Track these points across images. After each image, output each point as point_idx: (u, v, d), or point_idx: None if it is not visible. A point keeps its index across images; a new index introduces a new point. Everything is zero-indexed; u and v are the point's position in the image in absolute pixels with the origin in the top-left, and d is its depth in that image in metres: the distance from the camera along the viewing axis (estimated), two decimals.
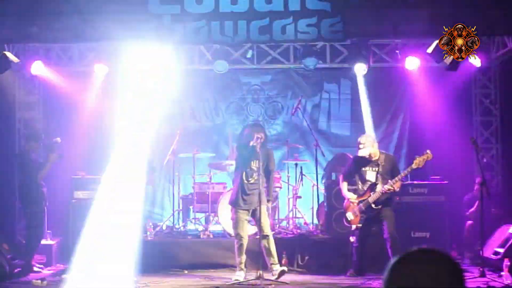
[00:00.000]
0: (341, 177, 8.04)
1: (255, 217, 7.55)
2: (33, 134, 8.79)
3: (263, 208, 7.45)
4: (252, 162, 7.53)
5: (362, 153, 7.67)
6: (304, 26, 8.05)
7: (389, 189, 7.51)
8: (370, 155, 7.68)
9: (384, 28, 8.36)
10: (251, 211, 7.59)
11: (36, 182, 8.30)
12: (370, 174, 7.73)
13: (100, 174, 8.73)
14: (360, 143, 7.69)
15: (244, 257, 7.55)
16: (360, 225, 7.70)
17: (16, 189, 8.87)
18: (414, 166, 7.50)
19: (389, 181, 7.51)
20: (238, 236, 7.56)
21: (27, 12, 8.31)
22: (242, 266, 7.56)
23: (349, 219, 7.76)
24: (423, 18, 8.03)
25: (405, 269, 1.78)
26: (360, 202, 7.71)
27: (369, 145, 7.67)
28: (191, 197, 9.49)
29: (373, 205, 7.61)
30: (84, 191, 8.83)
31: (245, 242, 7.56)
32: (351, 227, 7.80)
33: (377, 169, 7.68)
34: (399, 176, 7.55)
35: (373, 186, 7.67)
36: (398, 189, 7.68)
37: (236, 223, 7.60)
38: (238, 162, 7.77)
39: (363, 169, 7.75)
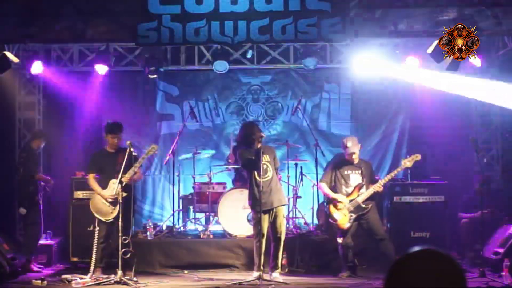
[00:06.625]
0: (320, 183, 8.00)
1: (273, 217, 7.43)
2: (40, 132, 8.92)
3: (281, 209, 7.50)
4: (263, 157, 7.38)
5: (351, 150, 7.72)
6: (304, 26, 8.04)
7: (378, 189, 7.67)
8: (353, 158, 7.74)
9: (384, 28, 8.36)
10: (271, 211, 7.42)
11: (33, 179, 8.34)
12: (355, 177, 7.82)
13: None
14: (347, 147, 7.76)
15: (262, 257, 7.32)
16: (349, 224, 7.70)
17: (16, 187, 8.90)
18: (399, 169, 7.73)
19: (379, 181, 7.72)
20: (258, 236, 7.36)
21: (27, 12, 8.31)
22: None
23: (337, 219, 7.73)
24: (423, 18, 8.03)
25: (407, 269, 1.78)
26: (348, 202, 7.73)
27: (356, 147, 7.77)
28: (191, 197, 9.48)
29: (363, 205, 7.66)
30: (84, 191, 8.81)
31: (264, 242, 7.37)
32: (338, 227, 7.78)
33: (360, 171, 7.79)
34: (389, 176, 7.69)
35: (360, 187, 7.74)
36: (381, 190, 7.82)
37: (256, 223, 7.42)
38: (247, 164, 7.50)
39: (346, 172, 7.81)
